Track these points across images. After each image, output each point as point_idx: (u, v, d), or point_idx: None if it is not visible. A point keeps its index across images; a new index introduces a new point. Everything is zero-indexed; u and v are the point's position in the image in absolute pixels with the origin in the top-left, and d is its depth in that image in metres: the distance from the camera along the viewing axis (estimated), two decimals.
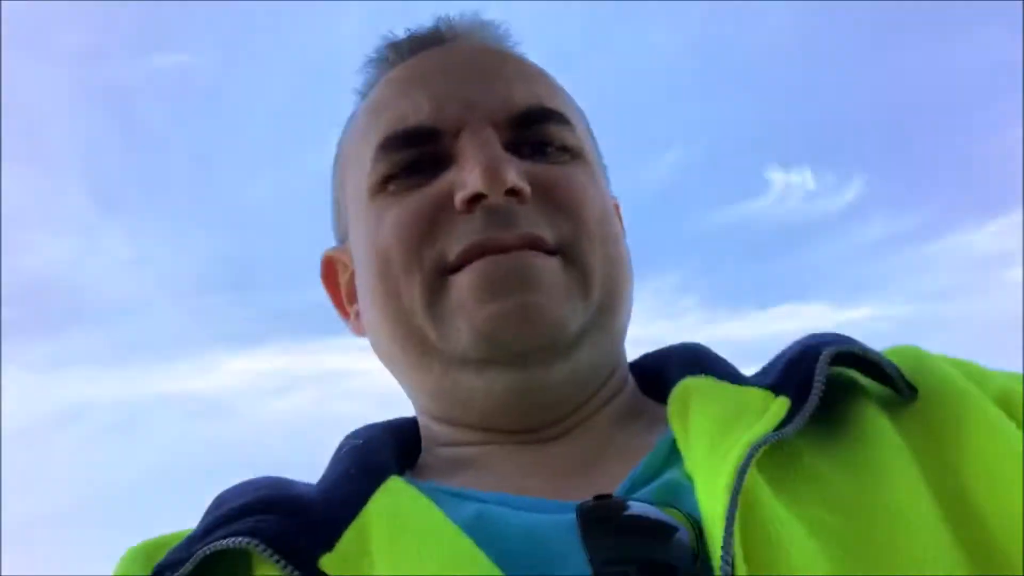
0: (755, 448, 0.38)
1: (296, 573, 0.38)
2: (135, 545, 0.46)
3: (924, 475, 0.40)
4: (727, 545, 0.34)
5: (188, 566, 0.39)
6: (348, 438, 0.51)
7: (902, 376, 0.44)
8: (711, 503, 0.37)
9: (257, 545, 0.38)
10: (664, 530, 0.37)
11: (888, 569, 0.36)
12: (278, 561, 0.38)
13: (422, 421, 0.54)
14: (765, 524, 0.36)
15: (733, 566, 0.34)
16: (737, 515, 0.35)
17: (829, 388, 0.44)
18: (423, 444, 0.54)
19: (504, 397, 0.47)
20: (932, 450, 0.41)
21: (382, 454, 0.48)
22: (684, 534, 0.37)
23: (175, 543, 0.42)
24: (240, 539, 0.38)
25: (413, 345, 0.48)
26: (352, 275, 0.57)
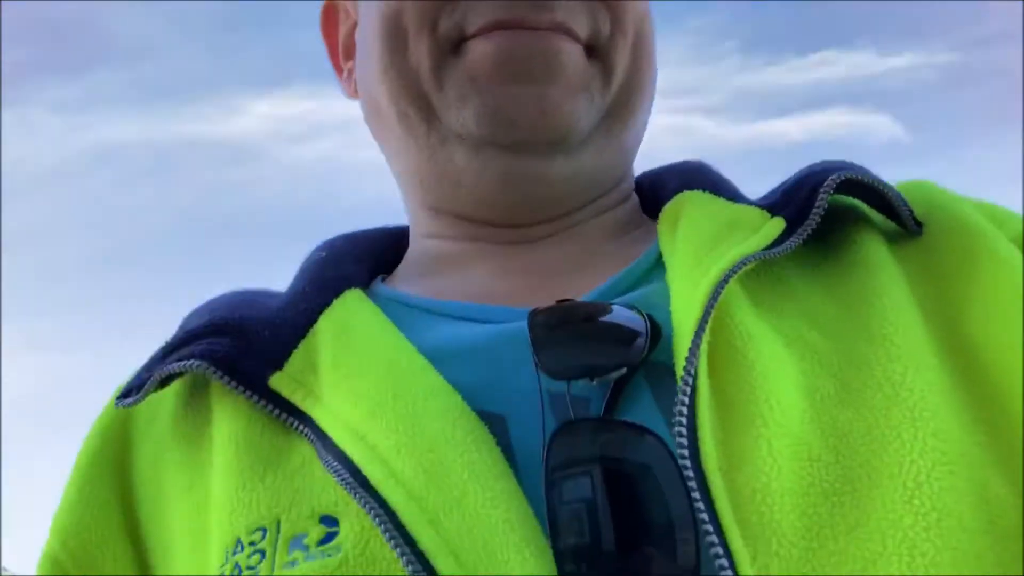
0: (741, 263, 0.37)
1: (247, 393, 0.38)
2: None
3: (920, 305, 0.38)
4: (692, 356, 0.33)
5: (147, 387, 0.41)
6: (315, 250, 0.50)
7: (910, 211, 0.42)
8: (684, 315, 0.36)
9: (208, 368, 0.39)
10: (622, 334, 0.36)
11: (863, 386, 0.34)
12: (228, 383, 0.38)
13: (409, 209, 0.52)
14: (735, 339, 0.35)
15: (696, 377, 0.33)
16: (708, 327, 0.34)
17: (830, 216, 0.42)
18: (410, 237, 0.52)
19: (496, 183, 0.45)
20: (932, 282, 0.39)
21: (344, 267, 0.47)
22: (639, 328, 0.36)
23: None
24: (191, 362, 0.39)
25: (414, 111, 0.45)
26: (353, 26, 0.52)
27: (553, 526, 0.30)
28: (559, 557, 0.30)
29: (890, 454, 0.31)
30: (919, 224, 0.42)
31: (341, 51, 0.55)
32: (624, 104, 0.46)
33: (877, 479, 0.31)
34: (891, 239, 0.42)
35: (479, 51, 0.42)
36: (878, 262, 0.40)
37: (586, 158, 0.45)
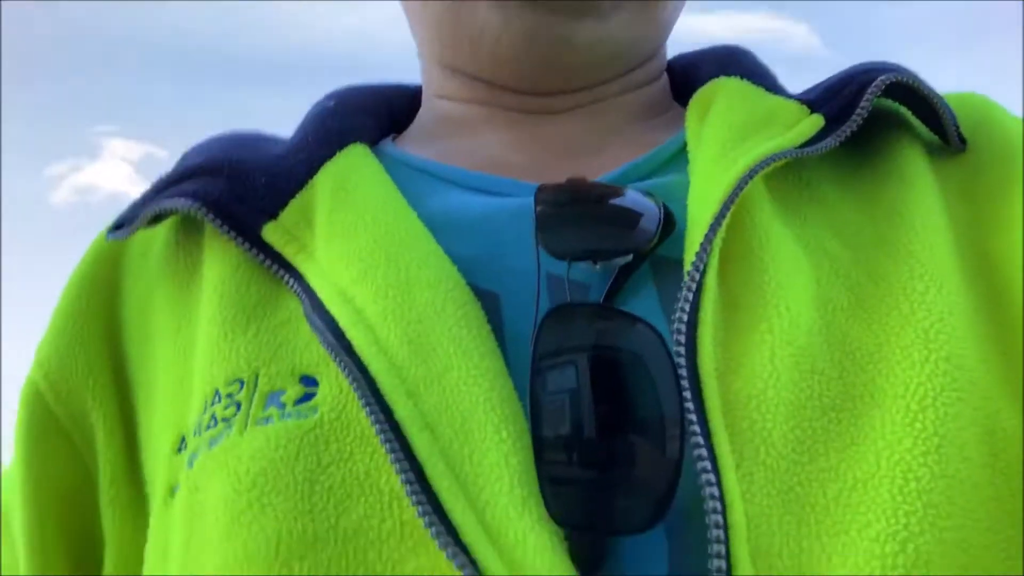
0: (769, 159, 0.34)
1: (238, 240, 0.36)
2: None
3: (953, 225, 0.36)
4: (702, 251, 0.31)
5: (138, 222, 0.39)
6: (323, 98, 0.47)
7: (956, 125, 0.39)
8: (701, 207, 0.33)
9: (200, 209, 0.37)
10: (632, 219, 0.34)
11: (879, 302, 0.33)
12: (220, 226, 0.37)
13: (425, 67, 0.49)
14: (752, 239, 0.33)
15: (704, 273, 0.31)
16: (724, 223, 0.32)
17: (870, 120, 0.39)
18: (423, 97, 0.50)
19: (517, 41, 0.41)
20: (968, 203, 0.37)
21: (352, 119, 0.44)
22: (651, 214, 0.34)
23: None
24: (184, 201, 0.37)
25: None
26: None
27: (536, 416, 0.29)
28: (539, 446, 0.28)
29: (897, 374, 0.30)
30: (964, 141, 0.39)
31: None
32: None
33: (880, 399, 0.30)
34: (932, 152, 0.39)
35: None
36: (915, 175, 0.37)
37: (616, 26, 0.42)
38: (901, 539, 0.26)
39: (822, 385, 0.30)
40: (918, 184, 0.37)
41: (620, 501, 0.28)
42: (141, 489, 0.39)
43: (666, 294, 0.33)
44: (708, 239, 0.32)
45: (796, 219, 0.36)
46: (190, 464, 0.33)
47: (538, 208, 0.35)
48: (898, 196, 0.37)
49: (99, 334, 0.41)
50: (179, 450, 0.35)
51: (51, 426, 0.40)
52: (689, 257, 0.32)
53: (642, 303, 0.33)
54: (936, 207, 0.36)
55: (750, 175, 0.34)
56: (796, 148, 0.36)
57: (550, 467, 0.28)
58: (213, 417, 0.33)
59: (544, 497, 0.28)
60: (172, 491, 0.34)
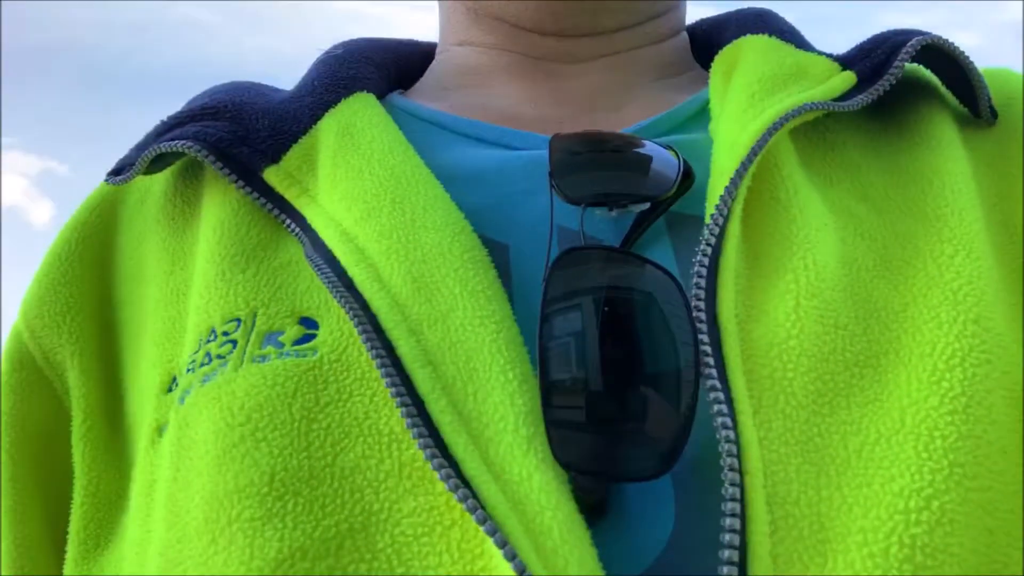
0: (800, 109, 0.34)
1: (239, 183, 0.36)
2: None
3: (981, 195, 0.35)
4: (727, 195, 0.30)
5: (137, 166, 0.38)
6: (331, 47, 0.46)
7: (988, 96, 0.38)
8: (726, 155, 0.33)
9: (199, 150, 0.36)
10: (649, 167, 0.33)
11: (906, 264, 0.32)
12: (221, 168, 0.36)
13: (445, 13, 0.48)
14: (779, 191, 0.33)
15: (727, 219, 0.30)
16: (751, 171, 0.31)
17: (902, 86, 0.38)
18: (438, 49, 0.49)
19: None
20: (996, 176, 0.36)
21: (359, 68, 0.43)
22: (671, 164, 0.34)
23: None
24: (182, 143, 0.36)
25: None
26: None
27: (543, 360, 0.27)
28: (546, 390, 0.27)
29: (924, 333, 0.29)
30: (994, 114, 0.38)
31: None
32: None
33: (906, 357, 0.29)
34: (962, 123, 0.39)
35: None
36: (944, 141, 0.37)
37: None
38: (926, 495, 0.25)
39: (845, 340, 0.29)
40: (948, 151, 0.36)
41: (627, 448, 0.27)
42: (118, 429, 0.38)
43: (682, 248, 0.33)
44: (734, 184, 0.31)
45: (822, 180, 0.35)
46: (181, 401, 0.32)
47: (552, 154, 0.34)
48: (927, 162, 0.36)
49: (86, 276, 0.41)
50: (169, 390, 0.34)
51: (27, 365, 0.40)
52: (712, 201, 0.31)
53: (656, 256, 0.32)
54: (966, 174, 0.35)
55: (781, 122, 0.33)
56: (828, 101, 0.35)
57: (555, 411, 0.27)
58: (207, 354, 0.32)
59: (549, 440, 0.27)
60: (160, 430, 0.33)
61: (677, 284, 0.28)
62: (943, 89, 0.40)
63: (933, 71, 0.39)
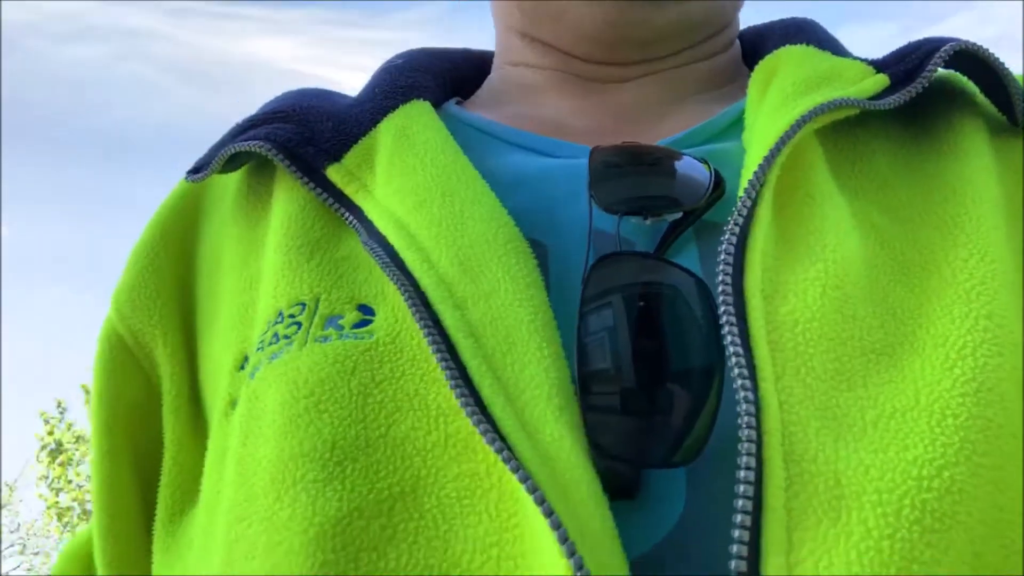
0: (832, 104, 0.35)
1: (304, 179, 0.39)
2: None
3: (1008, 202, 0.36)
4: (756, 179, 0.32)
5: (214, 165, 0.42)
6: (392, 57, 0.50)
7: None
8: (758, 144, 0.34)
9: (269, 149, 0.39)
10: (683, 179, 0.36)
11: (921, 269, 0.33)
12: (288, 167, 0.39)
13: (499, 32, 0.52)
14: (812, 189, 0.34)
15: (756, 199, 0.32)
16: (778, 162, 0.33)
17: (935, 94, 0.39)
18: (494, 65, 0.52)
19: (600, 23, 0.44)
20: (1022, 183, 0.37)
21: (417, 77, 0.46)
22: (702, 176, 0.36)
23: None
24: (254, 143, 0.40)
25: None
26: None
27: (580, 354, 0.30)
28: (583, 379, 0.30)
29: (937, 328, 0.30)
30: None
31: None
32: None
33: (920, 347, 0.30)
34: (996, 130, 0.39)
35: None
36: (972, 151, 0.38)
37: (695, 5, 0.44)
38: (938, 466, 0.26)
39: (864, 331, 0.31)
40: (974, 160, 0.37)
41: (656, 436, 0.29)
42: (200, 407, 0.42)
43: (707, 254, 0.34)
44: (762, 168, 0.33)
45: (848, 191, 0.36)
46: (251, 376, 0.35)
47: (592, 164, 0.37)
48: (953, 170, 0.37)
49: (170, 265, 0.45)
50: (241, 367, 0.37)
51: (118, 347, 0.44)
52: (742, 185, 0.33)
53: (682, 261, 0.34)
54: (990, 182, 0.36)
55: (811, 115, 0.34)
56: (860, 99, 0.36)
57: (592, 397, 0.29)
58: (275, 335, 0.35)
59: (586, 424, 0.29)
60: (233, 404, 0.36)
61: (701, 284, 0.31)
62: (979, 96, 0.40)
63: (971, 77, 0.40)
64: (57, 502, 9.94)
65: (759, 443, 0.27)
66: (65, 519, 9.89)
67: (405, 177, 0.38)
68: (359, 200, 0.38)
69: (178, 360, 0.43)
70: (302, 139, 0.40)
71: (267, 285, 0.38)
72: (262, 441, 0.32)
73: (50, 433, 10.23)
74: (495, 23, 0.52)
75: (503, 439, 0.28)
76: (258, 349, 0.36)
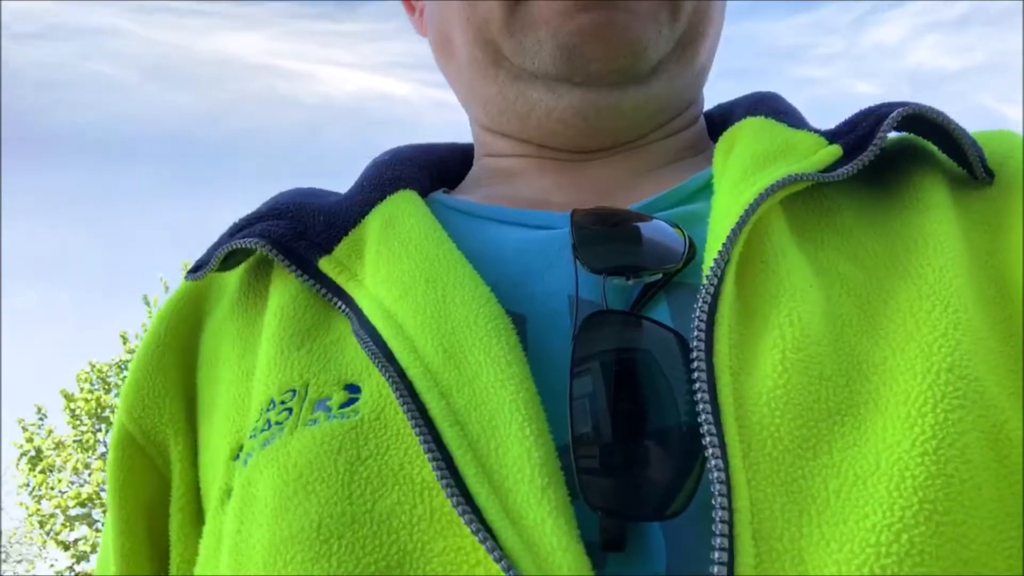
0: (785, 180, 0.37)
1: (297, 272, 0.41)
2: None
3: (971, 253, 0.37)
4: (720, 257, 0.34)
5: (212, 263, 0.44)
6: (380, 154, 0.53)
7: (981, 157, 0.40)
8: (720, 222, 0.36)
9: (264, 245, 0.42)
10: (659, 241, 0.38)
11: (887, 320, 0.34)
12: (282, 261, 0.41)
13: (473, 129, 0.54)
14: (768, 256, 0.36)
15: (722, 280, 0.34)
16: (742, 237, 0.35)
17: (896, 153, 0.41)
18: (474, 156, 0.55)
19: (567, 116, 0.46)
20: (989, 234, 0.38)
21: (403, 169, 0.49)
22: (677, 242, 0.38)
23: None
24: (251, 240, 0.42)
25: (483, 55, 0.47)
26: None
27: (571, 418, 0.31)
28: (573, 443, 0.31)
29: (900, 383, 0.31)
30: (990, 173, 0.41)
31: None
32: (695, 32, 0.47)
33: (883, 405, 0.31)
34: (957, 184, 0.41)
35: None
36: (934, 203, 0.39)
37: (658, 86, 0.46)
38: (896, 530, 0.27)
39: (829, 391, 0.32)
40: (935, 213, 0.38)
41: (639, 492, 0.30)
42: (200, 502, 0.43)
43: (678, 312, 0.36)
44: (726, 248, 0.34)
45: (811, 244, 0.38)
46: (244, 463, 0.37)
47: (575, 227, 0.39)
48: (915, 223, 0.38)
49: (176, 363, 0.46)
50: (236, 457, 0.39)
51: (135, 452, 0.45)
52: (708, 263, 0.35)
53: (657, 318, 0.36)
54: (951, 233, 0.37)
55: (767, 192, 0.36)
56: (813, 173, 0.38)
57: (580, 460, 0.31)
58: (267, 422, 0.37)
59: (581, 485, 0.30)
60: (228, 493, 0.37)
61: (682, 341, 0.33)
62: (938, 153, 0.42)
63: (927, 136, 0.42)
64: (39, 509, 9.87)
65: (731, 522, 0.28)
66: (48, 526, 9.82)
67: (392, 265, 0.40)
68: (350, 289, 0.40)
69: (186, 457, 0.44)
70: (295, 234, 0.43)
71: (261, 375, 0.39)
72: (255, 527, 0.33)
73: (29, 440, 10.14)
74: (469, 120, 0.54)
75: (487, 526, 0.29)
76: (251, 437, 0.37)
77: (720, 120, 0.52)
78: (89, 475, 9.93)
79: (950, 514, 0.28)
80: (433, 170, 0.53)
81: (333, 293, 0.40)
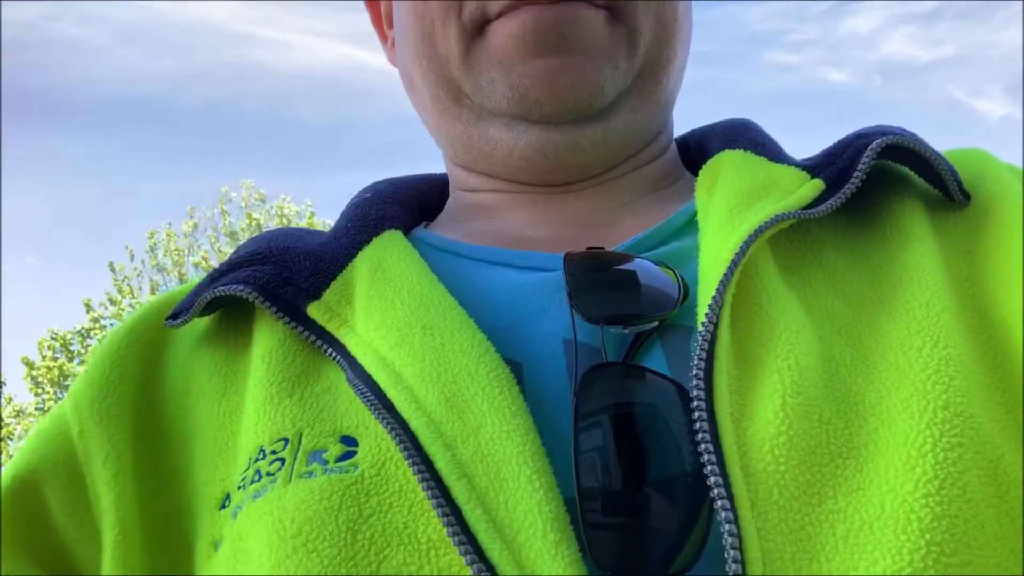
0: (773, 220, 0.37)
1: (285, 319, 0.40)
2: (148, 302, 0.49)
3: (952, 282, 0.37)
4: (715, 304, 0.34)
5: (194, 309, 0.42)
6: (359, 192, 0.52)
7: (957, 180, 0.41)
8: (711, 267, 0.36)
9: (250, 293, 0.40)
10: (654, 287, 0.37)
11: (880, 358, 0.34)
12: (269, 307, 0.40)
13: (448, 166, 0.54)
14: (760, 297, 0.36)
15: (717, 326, 0.33)
16: (733, 281, 0.35)
17: (874, 181, 0.41)
18: (450, 187, 0.54)
19: (528, 153, 0.46)
20: (968, 259, 0.39)
21: (386, 208, 0.48)
22: (671, 289, 0.38)
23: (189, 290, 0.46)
24: (235, 287, 0.41)
25: (445, 93, 0.47)
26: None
27: (576, 473, 0.31)
28: (580, 497, 0.30)
29: (897, 424, 0.32)
30: (967, 195, 0.41)
31: (384, 20, 0.56)
32: (655, 63, 0.46)
33: (883, 447, 0.31)
34: (935, 208, 0.41)
35: (502, 32, 0.43)
36: (915, 234, 0.39)
37: (618, 120, 0.46)
38: (906, 574, 0.28)
39: (829, 434, 0.32)
40: (917, 244, 0.39)
41: (648, 547, 0.30)
42: (162, 540, 0.39)
43: (672, 355, 0.36)
44: (720, 293, 0.34)
45: (799, 281, 0.38)
46: (234, 516, 0.35)
47: (569, 274, 0.38)
48: (897, 257, 0.39)
49: (130, 379, 0.43)
50: (222, 507, 0.37)
51: (64, 440, 0.41)
52: (702, 310, 0.34)
53: (651, 363, 0.36)
54: (934, 265, 0.37)
55: (756, 234, 0.36)
56: (798, 210, 0.38)
57: (587, 514, 0.30)
58: (258, 472, 0.35)
59: (588, 541, 0.30)
60: (216, 546, 0.36)
61: (681, 390, 0.32)
62: (915, 178, 0.42)
63: (904, 162, 0.42)
64: None
65: (744, 574, 0.28)
66: None
67: (385, 312, 0.38)
68: (341, 336, 0.39)
69: (126, 485, 0.40)
70: (281, 280, 0.41)
71: (249, 421, 0.38)
72: None
73: None
74: (441, 151, 0.54)
75: None
76: (239, 488, 0.36)
77: (695, 146, 0.52)
78: None
79: (957, 555, 0.28)
80: (413, 205, 0.52)
81: (323, 340, 0.39)
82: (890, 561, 0.28)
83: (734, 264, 0.35)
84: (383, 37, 0.56)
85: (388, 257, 0.42)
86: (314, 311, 0.40)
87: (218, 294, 0.41)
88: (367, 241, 0.44)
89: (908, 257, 0.38)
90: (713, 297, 0.34)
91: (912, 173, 0.42)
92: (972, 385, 0.33)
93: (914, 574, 0.28)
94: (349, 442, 0.35)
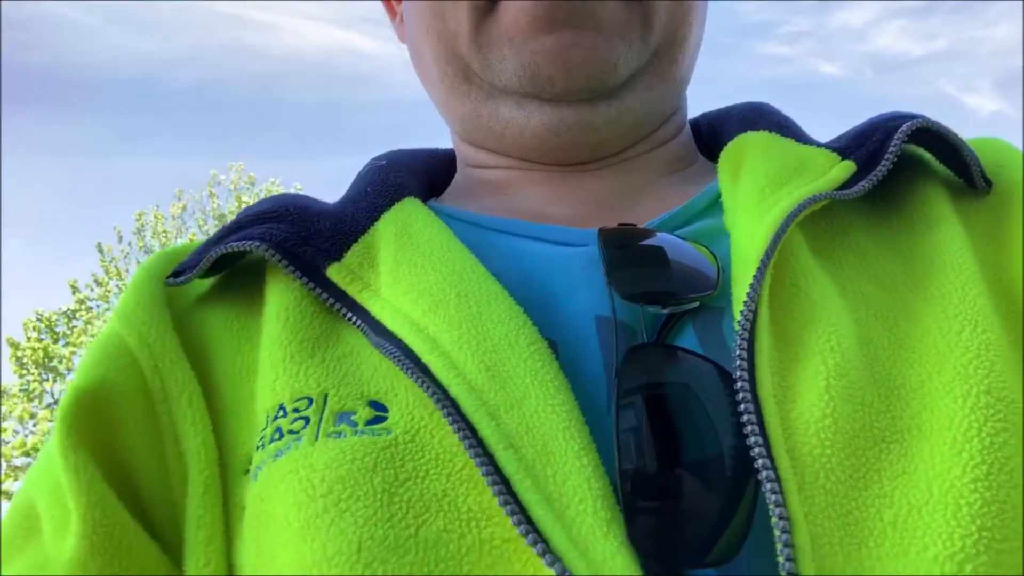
0: (809, 201, 0.36)
1: (304, 279, 0.38)
2: (155, 253, 0.46)
3: (980, 266, 0.37)
4: (756, 283, 0.33)
5: (202, 266, 0.40)
6: (373, 159, 0.50)
7: (980, 167, 0.40)
8: (747, 247, 0.35)
9: (266, 250, 0.38)
10: (692, 266, 0.37)
11: (918, 342, 0.34)
12: (286, 266, 0.38)
13: (455, 141, 0.52)
14: (798, 278, 0.35)
15: (757, 307, 0.33)
16: (772, 261, 0.34)
17: (899, 166, 0.41)
18: (457, 164, 0.53)
19: (540, 132, 0.45)
20: (992, 245, 0.38)
21: (404, 176, 0.47)
22: (709, 269, 0.37)
23: (194, 248, 0.44)
24: (250, 243, 0.39)
25: (454, 71, 0.46)
26: None
27: (617, 453, 0.30)
28: (621, 479, 0.30)
29: (941, 409, 0.31)
30: (988, 182, 0.41)
31: None
32: (671, 42, 0.45)
33: (927, 431, 0.31)
34: (957, 195, 0.41)
35: (513, 8, 0.42)
36: (941, 217, 0.39)
37: (632, 100, 0.45)
38: (959, 560, 0.27)
39: (872, 417, 0.31)
40: (944, 228, 0.38)
41: (690, 532, 0.29)
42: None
43: (705, 336, 0.35)
44: (760, 272, 0.33)
45: (831, 264, 0.38)
46: (254, 477, 0.34)
47: (605, 250, 0.37)
48: (928, 240, 0.38)
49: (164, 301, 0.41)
50: (246, 472, 0.35)
51: (136, 380, 0.38)
52: (739, 291, 0.34)
53: (685, 344, 0.35)
54: (963, 249, 0.37)
55: (794, 214, 0.36)
56: (833, 191, 0.38)
57: (629, 497, 0.29)
58: (278, 430, 0.34)
59: (627, 525, 0.29)
60: (242, 511, 0.34)
61: (723, 372, 0.31)
62: (938, 164, 0.42)
63: (927, 148, 0.42)
64: None
65: (795, 559, 0.27)
66: None
67: (415, 276, 0.37)
68: (364, 300, 0.37)
69: (201, 419, 0.37)
70: (299, 239, 0.39)
71: (265, 378, 0.36)
72: (279, 548, 0.30)
73: None
74: (449, 128, 0.52)
75: (556, 556, 0.27)
76: (259, 447, 0.34)
77: (708, 130, 0.51)
78: (35, 425, 9.74)
79: (1007, 541, 0.28)
80: (425, 177, 0.51)
81: (342, 303, 0.37)
82: (941, 547, 0.28)
83: (773, 244, 0.34)
84: (392, 12, 0.55)
85: (414, 223, 0.41)
86: (334, 273, 0.38)
87: (230, 249, 0.39)
88: (388, 206, 0.43)
89: (938, 242, 0.38)
90: (755, 276, 0.33)
91: (932, 158, 0.42)
92: (1010, 371, 0.33)
93: (967, 560, 0.27)
94: (378, 407, 0.34)
